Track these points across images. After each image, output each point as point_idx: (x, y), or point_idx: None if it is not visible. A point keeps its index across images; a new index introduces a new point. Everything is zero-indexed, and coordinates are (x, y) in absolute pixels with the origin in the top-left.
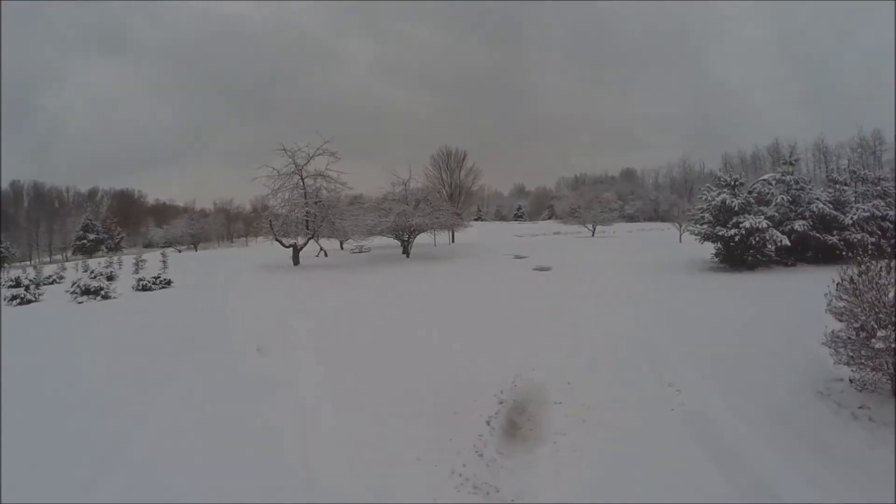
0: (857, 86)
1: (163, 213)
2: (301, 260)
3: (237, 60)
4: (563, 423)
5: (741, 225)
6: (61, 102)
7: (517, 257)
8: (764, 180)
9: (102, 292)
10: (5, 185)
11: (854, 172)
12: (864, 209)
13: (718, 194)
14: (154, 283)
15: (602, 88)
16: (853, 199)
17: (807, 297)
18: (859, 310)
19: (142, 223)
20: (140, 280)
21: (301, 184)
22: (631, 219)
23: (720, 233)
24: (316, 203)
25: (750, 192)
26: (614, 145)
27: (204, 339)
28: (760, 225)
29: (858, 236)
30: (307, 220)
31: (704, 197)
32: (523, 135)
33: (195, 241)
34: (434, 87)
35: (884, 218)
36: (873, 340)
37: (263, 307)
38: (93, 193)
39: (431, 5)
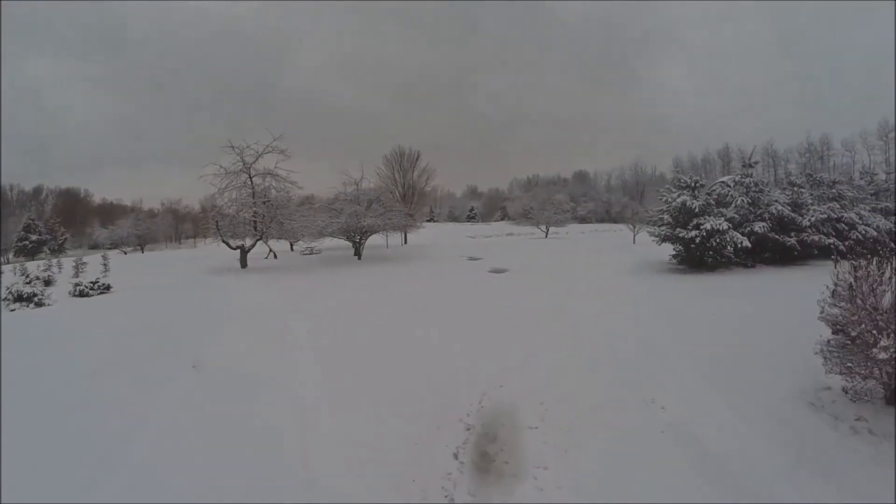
0: (857, 86)
1: (109, 212)
2: (249, 262)
3: (237, 60)
4: (543, 451)
5: (702, 227)
6: (61, 102)
7: (471, 259)
8: (723, 182)
9: (36, 299)
10: None
11: (810, 175)
12: (820, 211)
13: (678, 196)
14: (92, 289)
15: (602, 88)
16: (810, 201)
17: (782, 297)
18: (856, 318)
19: (87, 223)
20: (77, 285)
21: (249, 182)
22: (583, 220)
23: (680, 234)
24: (264, 203)
25: (709, 194)
26: (613, 145)
27: (132, 355)
28: (721, 226)
29: (816, 238)
30: (255, 221)
31: (665, 198)
32: (521, 134)
33: (142, 243)
34: (433, 86)
35: (839, 220)
36: (874, 350)
37: (202, 318)
38: (37, 192)
39: (431, 5)
